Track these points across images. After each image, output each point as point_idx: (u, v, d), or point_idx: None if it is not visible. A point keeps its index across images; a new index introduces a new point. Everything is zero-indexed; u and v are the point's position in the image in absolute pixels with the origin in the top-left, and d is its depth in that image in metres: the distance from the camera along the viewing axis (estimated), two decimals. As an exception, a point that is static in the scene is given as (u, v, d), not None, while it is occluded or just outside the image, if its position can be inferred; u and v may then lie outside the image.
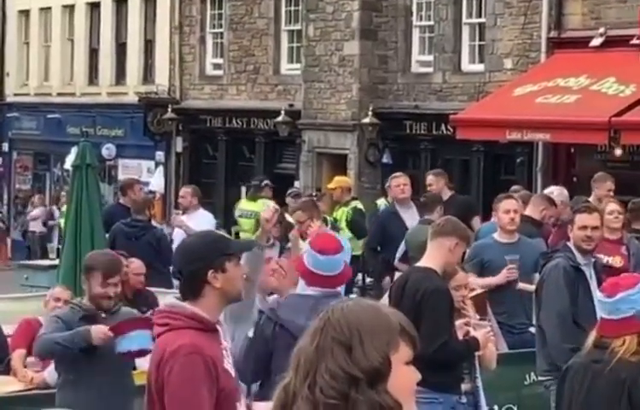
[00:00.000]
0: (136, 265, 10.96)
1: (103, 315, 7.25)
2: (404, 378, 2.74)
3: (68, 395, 7.20)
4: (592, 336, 5.19)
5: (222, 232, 9.27)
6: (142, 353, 7.03)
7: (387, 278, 12.27)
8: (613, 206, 10.72)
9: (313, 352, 2.73)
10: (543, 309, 8.20)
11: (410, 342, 2.79)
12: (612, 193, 12.44)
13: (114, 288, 7.31)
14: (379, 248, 13.78)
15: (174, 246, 14.01)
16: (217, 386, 4.88)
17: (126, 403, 7.14)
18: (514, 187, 14.20)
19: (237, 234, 15.82)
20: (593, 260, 8.40)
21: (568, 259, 8.18)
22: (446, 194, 13.57)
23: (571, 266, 8.12)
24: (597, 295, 5.16)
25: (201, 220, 14.49)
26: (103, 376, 7.14)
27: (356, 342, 2.72)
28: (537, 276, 8.90)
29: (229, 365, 5.01)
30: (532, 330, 9.46)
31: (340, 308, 2.83)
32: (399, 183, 13.76)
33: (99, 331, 7.06)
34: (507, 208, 10.28)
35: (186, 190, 15.76)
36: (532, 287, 9.29)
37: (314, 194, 17.87)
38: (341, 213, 15.55)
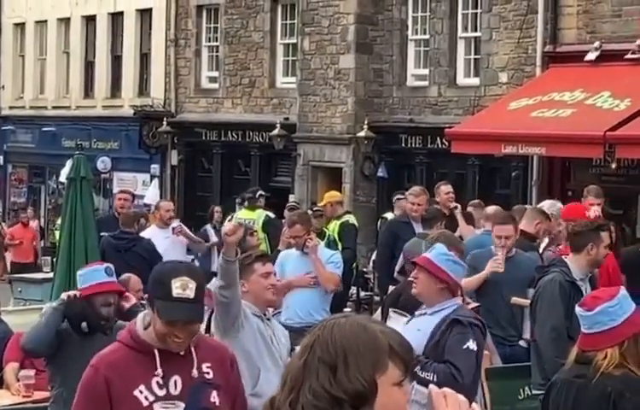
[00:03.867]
0: (134, 280, 10.96)
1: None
2: (392, 400, 2.71)
3: (56, 404, 7.23)
4: (574, 352, 5.20)
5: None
6: None
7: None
8: None
9: (300, 368, 2.71)
10: (537, 323, 8.22)
11: (400, 363, 2.75)
12: (596, 205, 12.42)
13: (107, 308, 7.40)
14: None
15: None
16: (107, 406, 4.78)
17: None
18: (516, 207, 13.98)
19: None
20: (589, 275, 8.43)
21: (564, 273, 8.19)
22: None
23: (566, 280, 8.14)
24: (577, 309, 5.16)
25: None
26: None
27: (340, 364, 2.69)
28: (531, 291, 8.91)
29: (150, 393, 4.82)
30: (522, 343, 9.47)
31: (331, 326, 2.80)
32: (415, 201, 13.59)
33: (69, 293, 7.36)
34: (498, 234, 10.34)
35: (168, 204, 16.18)
36: (526, 301, 9.29)
37: (311, 208, 17.91)
38: (333, 227, 15.64)
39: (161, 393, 4.81)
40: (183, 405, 4.81)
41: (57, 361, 7.36)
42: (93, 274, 7.61)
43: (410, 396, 2.82)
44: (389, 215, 16.34)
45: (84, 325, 7.33)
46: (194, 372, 4.82)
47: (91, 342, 7.29)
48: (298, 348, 2.83)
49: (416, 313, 6.82)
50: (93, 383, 4.83)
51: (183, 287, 4.83)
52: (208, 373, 4.84)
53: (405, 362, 2.77)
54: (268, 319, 7.01)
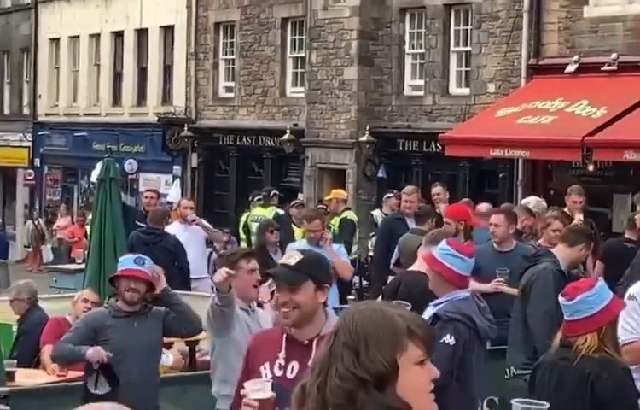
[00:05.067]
0: (158, 270, 10.99)
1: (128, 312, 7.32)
2: (415, 379, 2.64)
3: None
4: (558, 337, 5.19)
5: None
6: None
7: None
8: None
9: (326, 355, 2.67)
10: (531, 307, 8.17)
11: (420, 343, 2.69)
12: (578, 204, 12.42)
13: (130, 293, 7.39)
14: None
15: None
16: (247, 371, 4.89)
17: (153, 392, 7.19)
18: (504, 205, 13.89)
19: (248, 236, 15.95)
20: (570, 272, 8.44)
21: (555, 264, 8.19)
22: None
23: (557, 270, 8.14)
24: (560, 299, 5.15)
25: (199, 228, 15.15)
26: (132, 370, 7.20)
27: (362, 347, 2.63)
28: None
29: (270, 371, 4.78)
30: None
31: (352, 314, 2.74)
32: (408, 199, 13.57)
33: (95, 353, 7.21)
34: (494, 220, 10.35)
35: (189, 202, 16.15)
36: (515, 290, 9.25)
37: (321, 206, 17.97)
38: (334, 222, 15.80)
39: (279, 374, 4.74)
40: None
41: (107, 345, 7.34)
42: (124, 261, 7.67)
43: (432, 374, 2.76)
44: (376, 212, 16.39)
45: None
46: (311, 362, 4.69)
47: (135, 323, 7.35)
48: None
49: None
50: (247, 348, 5.02)
51: (288, 256, 4.98)
52: None
53: (425, 342, 2.71)
54: (253, 311, 6.92)
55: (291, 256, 4.96)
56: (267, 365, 4.77)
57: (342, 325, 2.69)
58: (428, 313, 6.47)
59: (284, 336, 4.79)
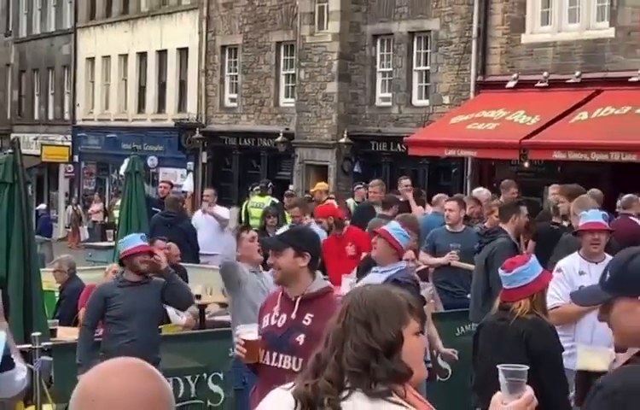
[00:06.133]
0: (173, 247, 10.97)
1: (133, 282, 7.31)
2: (414, 347, 2.60)
3: (110, 343, 7.20)
4: (498, 302, 5.20)
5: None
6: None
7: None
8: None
9: (340, 329, 2.58)
10: (494, 273, 8.13)
11: (417, 316, 2.64)
12: (515, 195, 12.42)
13: (145, 264, 7.38)
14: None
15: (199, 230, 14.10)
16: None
17: (154, 348, 7.09)
18: (458, 194, 13.91)
19: (247, 221, 15.90)
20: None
21: (508, 237, 8.20)
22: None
23: (512, 242, 8.16)
24: (499, 271, 5.15)
25: (220, 211, 14.86)
26: (136, 330, 7.15)
27: (373, 321, 2.55)
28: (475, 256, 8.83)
29: (268, 321, 4.79)
30: (469, 296, 9.42)
31: (360, 293, 2.67)
32: (375, 190, 13.59)
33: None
34: (448, 207, 10.38)
35: (210, 191, 16.01)
36: (469, 265, 9.24)
37: (307, 195, 17.94)
38: None
39: (273, 323, 4.71)
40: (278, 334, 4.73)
41: (116, 310, 7.30)
42: (133, 239, 7.57)
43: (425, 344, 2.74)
44: (350, 201, 16.39)
45: None
46: (293, 316, 4.67)
47: (138, 291, 7.31)
48: None
49: (372, 271, 6.68)
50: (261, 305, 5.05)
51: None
52: (307, 321, 4.59)
53: (421, 316, 2.67)
54: (260, 272, 7.00)
55: (280, 230, 5.06)
56: (267, 316, 4.78)
57: (353, 303, 2.62)
58: (378, 277, 6.39)
59: (280, 294, 4.80)
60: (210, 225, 14.58)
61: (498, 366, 2.67)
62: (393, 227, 6.77)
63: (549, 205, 11.95)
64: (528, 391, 2.63)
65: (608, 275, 2.72)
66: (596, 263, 6.55)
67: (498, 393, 2.64)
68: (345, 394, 2.47)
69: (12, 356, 4.30)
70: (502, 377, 2.65)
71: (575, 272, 6.61)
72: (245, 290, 6.74)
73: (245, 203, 17.22)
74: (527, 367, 2.68)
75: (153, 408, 1.72)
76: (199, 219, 14.52)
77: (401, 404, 2.46)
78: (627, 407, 2.44)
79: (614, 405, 2.49)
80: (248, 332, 4.71)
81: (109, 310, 7.25)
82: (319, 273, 4.92)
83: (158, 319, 7.58)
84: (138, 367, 1.75)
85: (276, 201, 16.49)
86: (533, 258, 5.19)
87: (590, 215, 7.01)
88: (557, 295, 6.48)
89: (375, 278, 6.34)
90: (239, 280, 6.79)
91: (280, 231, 5.02)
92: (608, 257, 6.59)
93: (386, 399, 2.46)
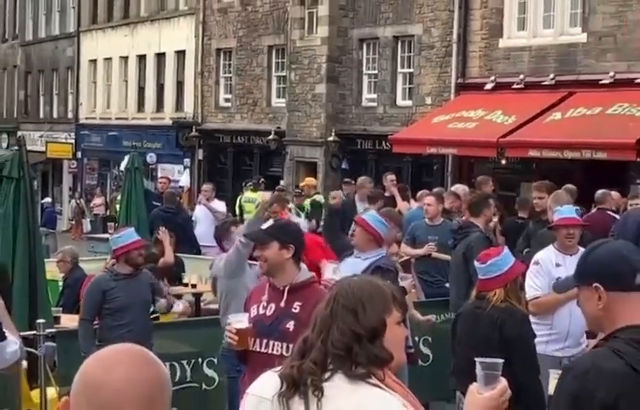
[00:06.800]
0: (173, 242, 11.07)
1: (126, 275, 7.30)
2: (395, 334, 2.60)
3: (108, 333, 7.16)
4: (474, 291, 5.21)
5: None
6: None
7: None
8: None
9: (328, 314, 2.59)
10: (473, 265, 8.16)
11: (399, 307, 2.65)
12: (492, 190, 12.44)
13: (140, 257, 7.39)
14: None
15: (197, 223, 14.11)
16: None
17: (148, 335, 7.05)
18: (436, 189, 13.96)
19: (241, 214, 15.91)
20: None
21: (481, 232, 8.21)
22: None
23: (486, 236, 8.17)
24: (475, 263, 5.17)
25: (217, 205, 14.92)
26: (132, 320, 7.12)
27: (360, 308, 2.56)
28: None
29: (256, 311, 4.76)
30: (447, 285, 9.44)
31: (348, 283, 2.69)
32: (364, 185, 13.62)
33: None
34: (427, 201, 10.38)
35: (208, 186, 16.09)
36: (447, 256, 9.25)
37: (297, 190, 18.00)
38: (307, 203, 15.89)
39: (262, 312, 4.70)
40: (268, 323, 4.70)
41: (113, 303, 7.27)
42: (130, 235, 7.50)
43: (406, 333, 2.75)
44: (339, 193, 16.38)
45: None
46: (282, 304, 4.68)
47: (132, 284, 7.26)
48: None
49: (353, 256, 6.60)
50: (247, 296, 5.05)
51: (268, 222, 5.09)
52: (296, 309, 4.58)
53: (403, 307, 2.68)
54: (250, 266, 7.01)
55: (266, 225, 5.05)
56: (255, 306, 4.77)
57: (341, 291, 2.62)
58: (360, 262, 6.33)
59: (268, 284, 4.80)
60: (208, 218, 14.62)
61: (476, 359, 2.70)
62: (370, 215, 6.75)
63: (523, 201, 12.01)
64: (502, 383, 2.68)
65: (576, 266, 2.81)
66: (571, 255, 6.58)
67: (474, 383, 2.68)
68: (327, 375, 2.49)
69: (3, 330, 4.30)
70: (478, 369, 2.69)
71: (552, 264, 6.63)
72: (242, 278, 6.75)
73: (239, 198, 17.23)
74: (503, 360, 2.73)
75: (154, 393, 1.72)
76: (199, 213, 14.70)
77: (379, 386, 2.47)
78: (596, 385, 2.48)
79: (584, 384, 2.53)
80: (239, 321, 4.71)
81: (107, 303, 7.21)
82: (304, 265, 4.92)
83: (149, 308, 7.56)
84: (140, 355, 1.76)
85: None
86: (506, 250, 5.20)
87: (565, 211, 7.04)
88: (536, 286, 6.52)
89: (357, 263, 6.31)
90: (244, 267, 6.79)
91: (265, 225, 4.97)
92: (582, 250, 6.63)
93: (365, 381, 2.47)
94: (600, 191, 10.48)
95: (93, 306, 7.26)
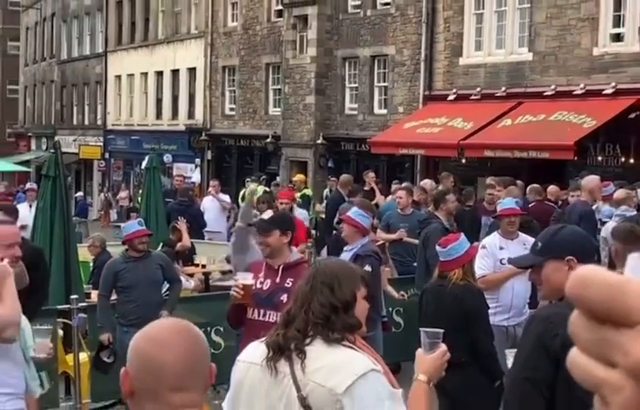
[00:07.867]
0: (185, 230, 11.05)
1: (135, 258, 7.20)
2: (362, 307, 2.62)
3: (122, 307, 7.14)
4: (437, 272, 5.23)
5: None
6: None
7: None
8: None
9: (308, 290, 2.59)
10: (429, 251, 8.08)
11: (365, 285, 2.68)
12: (453, 184, 12.44)
13: (143, 245, 7.23)
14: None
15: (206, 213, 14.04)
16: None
17: (155, 309, 6.87)
18: (405, 184, 13.94)
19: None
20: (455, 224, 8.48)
21: (441, 223, 8.22)
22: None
23: (443, 226, 8.17)
24: (437, 247, 5.18)
25: (223, 198, 14.84)
26: (139, 296, 7.03)
27: (336, 284, 2.57)
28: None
29: (255, 286, 4.72)
30: (415, 264, 9.43)
31: (325, 263, 2.74)
32: (401, 195, 13.42)
33: (105, 336, 7.11)
34: (398, 194, 10.39)
35: (215, 181, 16.09)
36: (415, 241, 9.25)
37: (290, 184, 17.95)
38: (298, 195, 15.85)
39: (259, 287, 4.68)
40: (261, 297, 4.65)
41: (124, 282, 7.19)
42: (132, 225, 7.44)
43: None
44: (326, 190, 16.39)
45: None
46: (277, 280, 4.69)
47: (140, 265, 7.16)
48: None
49: (343, 251, 6.64)
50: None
51: (267, 214, 5.07)
52: (289, 284, 4.55)
53: (368, 285, 2.71)
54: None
55: (267, 215, 5.09)
56: (256, 282, 4.78)
57: (318, 270, 2.64)
58: (347, 255, 6.33)
59: (264, 263, 4.82)
60: (215, 208, 14.61)
61: (420, 329, 2.77)
62: (353, 211, 6.78)
63: (468, 193, 12.04)
64: (442, 347, 2.77)
65: (539, 244, 2.83)
66: (512, 239, 6.64)
67: (419, 349, 2.77)
68: (308, 340, 2.51)
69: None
70: (423, 337, 2.77)
71: (496, 247, 6.67)
72: (252, 252, 6.75)
73: (242, 192, 17.21)
74: (443, 330, 2.81)
75: (202, 364, 1.75)
76: (207, 203, 14.68)
77: (352, 348, 2.51)
78: (557, 326, 2.53)
79: (548, 326, 2.60)
80: (245, 278, 4.73)
81: (119, 282, 7.14)
82: (294, 248, 4.96)
83: (158, 285, 7.33)
84: (187, 332, 1.77)
85: (267, 189, 16.49)
86: (462, 236, 5.22)
87: (506, 202, 7.11)
88: (484, 266, 6.55)
89: (345, 256, 6.38)
90: (248, 245, 6.75)
91: (265, 215, 5.02)
92: (522, 235, 6.67)
93: (340, 344, 2.51)
94: (535, 185, 10.63)
95: (107, 284, 7.18)
